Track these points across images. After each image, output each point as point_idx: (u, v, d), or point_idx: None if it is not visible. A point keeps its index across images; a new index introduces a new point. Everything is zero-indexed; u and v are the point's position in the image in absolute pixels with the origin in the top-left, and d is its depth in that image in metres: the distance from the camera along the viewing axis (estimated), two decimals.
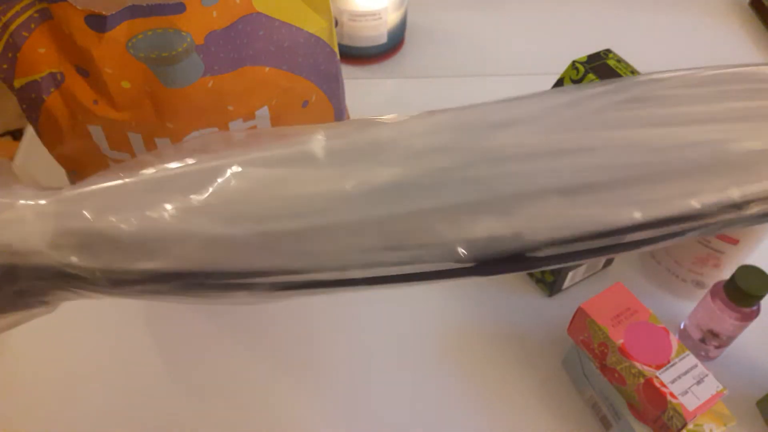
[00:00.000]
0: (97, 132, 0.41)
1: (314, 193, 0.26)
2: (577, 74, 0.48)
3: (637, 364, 0.41)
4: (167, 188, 0.26)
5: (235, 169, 0.26)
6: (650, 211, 0.25)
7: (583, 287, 0.55)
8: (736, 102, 0.28)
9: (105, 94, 0.39)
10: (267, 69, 0.41)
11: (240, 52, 0.40)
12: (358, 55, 0.73)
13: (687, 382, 0.40)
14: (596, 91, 0.28)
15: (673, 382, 0.40)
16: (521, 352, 0.51)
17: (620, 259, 0.56)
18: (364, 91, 0.71)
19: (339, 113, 0.48)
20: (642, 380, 0.40)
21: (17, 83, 0.39)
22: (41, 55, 0.39)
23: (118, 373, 0.49)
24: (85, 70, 0.39)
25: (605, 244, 0.25)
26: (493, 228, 0.25)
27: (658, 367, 0.40)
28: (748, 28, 0.82)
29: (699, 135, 0.27)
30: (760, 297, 0.44)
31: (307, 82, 0.44)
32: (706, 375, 0.40)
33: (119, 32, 0.37)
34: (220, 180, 0.26)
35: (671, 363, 0.41)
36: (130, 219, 0.25)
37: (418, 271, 0.26)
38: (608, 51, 0.50)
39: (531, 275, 0.55)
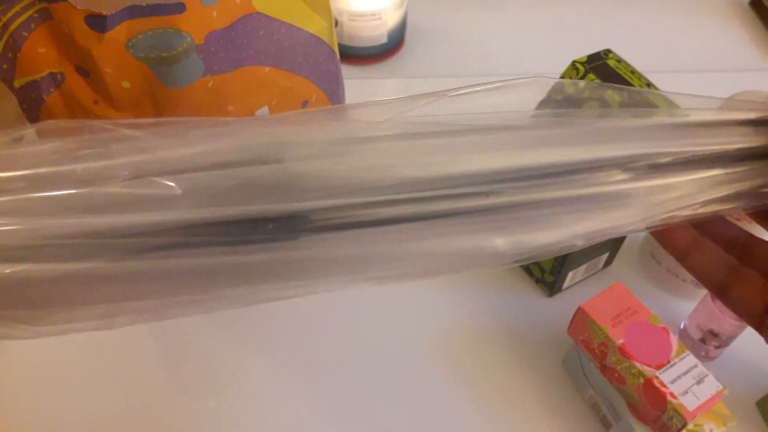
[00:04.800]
0: None
1: None
2: (577, 74, 0.48)
3: (637, 364, 0.41)
4: None
5: None
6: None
7: (583, 287, 0.55)
8: None
9: (105, 94, 0.39)
10: (267, 69, 0.42)
11: (240, 52, 0.40)
12: (358, 55, 0.73)
13: (687, 382, 0.40)
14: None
15: (673, 382, 0.40)
16: (521, 352, 0.51)
17: (620, 259, 0.56)
18: (364, 91, 0.71)
19: None
20: (642, 380, 0.40)
21: (17, 83, 0.39)
22: (41, 55, 0.38)
23: (118, 373, 0.50)
24: (85, 70, 0.39)
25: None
26: None
27: (658, 367, 0.40)
28: (748, 28, 0.82)
29: None
30: None
31: (307, 82, 0.44)
32: (706, 375, 0.40)
33: (119, 32, 0.37)
34: None
35: (671, 363, 0.41)
36: None
37: None
38: (608, 51, 0.50)
39: (531, 275, 0.55)
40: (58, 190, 0.20)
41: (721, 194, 0.24)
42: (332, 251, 0.22)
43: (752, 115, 0.25)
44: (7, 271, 0.20)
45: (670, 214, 0.24)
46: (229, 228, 0.21)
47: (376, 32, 0.71)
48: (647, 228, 0.25)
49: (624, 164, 0.24)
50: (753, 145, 0.24)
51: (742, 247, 0.27)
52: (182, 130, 0.22)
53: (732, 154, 0.24)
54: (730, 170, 0.24)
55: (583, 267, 0.52)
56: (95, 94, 0.39)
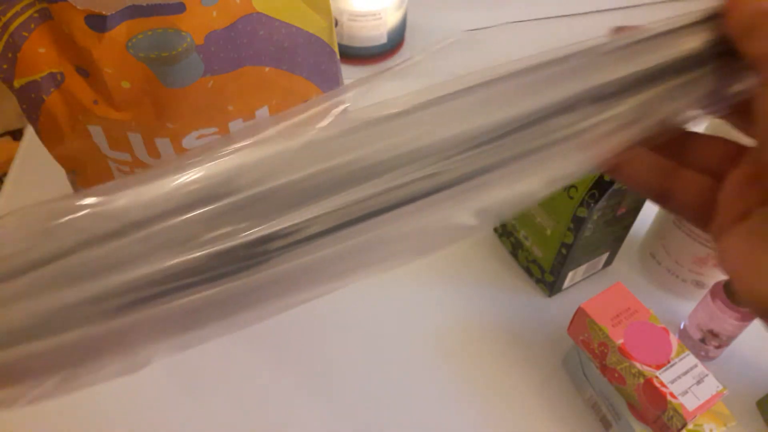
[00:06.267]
0: (97, 132, 0.41)
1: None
2: None
3: (637, 364, 0.41)
4: None
5: None
6: None
7: (583, 287, 0.55)
8: None
9: (105, 94, 0.39)
10: (267, 69, 0.42)
11: (240, 52, 0.40)
12: (358, 55, 0.73)
13: (687, 382, 0.40)
14: None
15: (673, 382, 0.40)
16: (521, 352, 0.51)
17: (620, 259, 0.56)
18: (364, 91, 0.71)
19: None
20: (642, 380, 0.40)
21: (17, 83, 0.39)
22: (41, 55, 0.38)
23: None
24: (85, 70, 0.39)
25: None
26: None
27: (658, 367, 0.40)
28: None
29: None
30: None
31: (307, 82, 0.44)
32: (706, 375, 0.40)
33: (119, 32, 0.37)
34: None
35: (671, 363, 0.41)
36: None
37: None
38: None
39: (531, 275, 0.55)
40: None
41: (680, 105, 0.22)
42: (310, 259, 0.21)
43: (696, 18, 0.23)
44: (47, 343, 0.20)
45: (623, 141, 0.22)
46: (209, 262, 0.20)
47: (376, 32, 0.71)
48: (605, 163, 0.23)
49: (570, 106, 0.23)
50: (700, 44, 0.22)
51: (680, 147, 0.25)
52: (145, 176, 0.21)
53: (681, 62, 0.23)
54: (681, 79, 0.23)
55: (583, 267, 0.52)
56: (95, 94, 0.39)
